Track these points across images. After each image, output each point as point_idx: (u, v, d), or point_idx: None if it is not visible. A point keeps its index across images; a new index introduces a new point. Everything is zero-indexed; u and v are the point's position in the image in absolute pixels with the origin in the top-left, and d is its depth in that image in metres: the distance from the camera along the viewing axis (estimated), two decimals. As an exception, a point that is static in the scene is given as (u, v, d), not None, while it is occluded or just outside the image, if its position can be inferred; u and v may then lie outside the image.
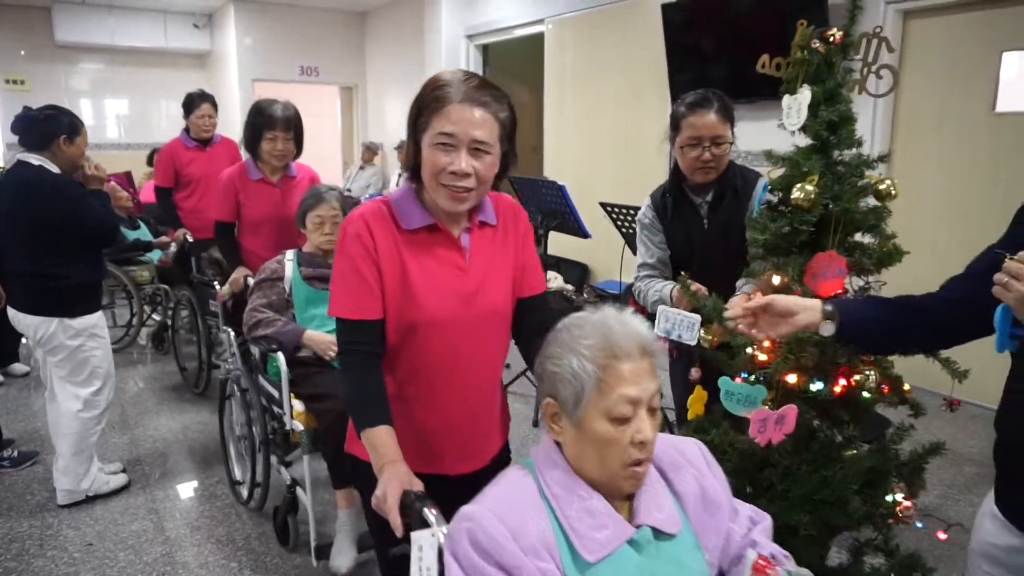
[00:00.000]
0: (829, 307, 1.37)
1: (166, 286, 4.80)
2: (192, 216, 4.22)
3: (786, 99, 1.66)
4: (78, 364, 2.81)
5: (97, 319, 2.86)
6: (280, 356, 2.46)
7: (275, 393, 2.58)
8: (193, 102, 4.22)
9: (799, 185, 1.60)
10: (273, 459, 2.72)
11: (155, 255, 4.94)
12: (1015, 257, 1.03)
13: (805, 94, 1.59)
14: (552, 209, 3.64)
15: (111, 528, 2.76)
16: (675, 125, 2.15)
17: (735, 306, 1.50)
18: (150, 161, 7.21)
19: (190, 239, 4.17)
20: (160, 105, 9.72)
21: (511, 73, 8.55)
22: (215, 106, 4.31)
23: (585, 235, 3.59)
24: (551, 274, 5.77)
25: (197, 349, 4.09)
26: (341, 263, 1.36)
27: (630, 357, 1.08)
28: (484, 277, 1.41)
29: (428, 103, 1.30)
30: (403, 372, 1.42)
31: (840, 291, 1.60)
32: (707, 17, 4.63)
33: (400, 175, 7.59)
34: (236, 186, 3.05)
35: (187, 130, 4.26)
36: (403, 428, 1.34)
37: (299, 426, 2.44)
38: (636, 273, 2.35)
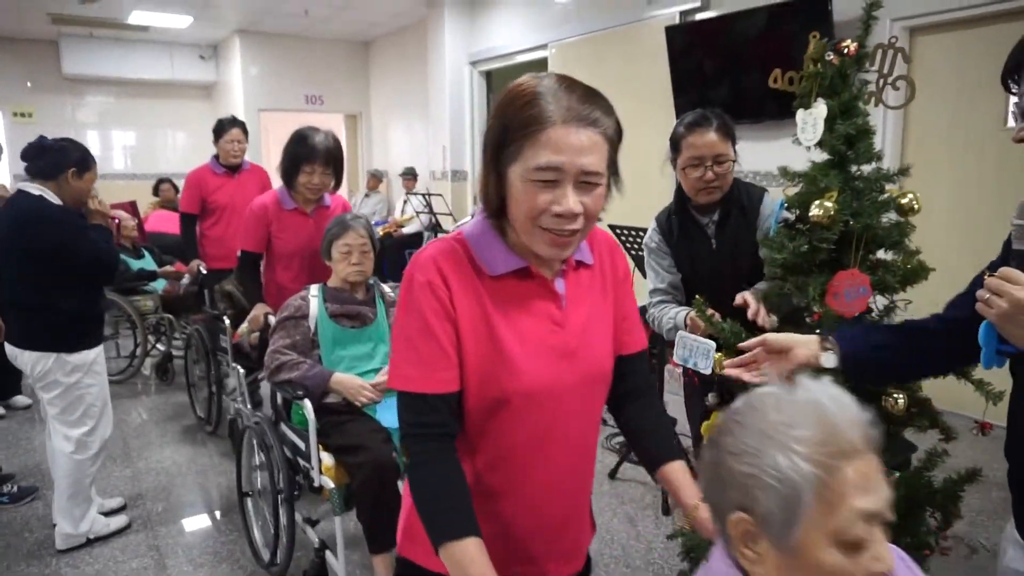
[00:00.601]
0: (828, 339, 1.32)
1: (170, 315, 4.76)
2: (216, 244, 4.13)
3: (800, 114, 1.61)
4: (72, 402, 2.71)
5: (96, 355, 2.78)
6: (307, 404, 2.24)
7: (300, 444, 2.36)
8: (223, 127, 4.15)
9: (817, 202, 1.55)
10: (298, 516, 2.47)
11: (159, 284, 4.91)
12: (995, 273, 1.02)
13: (821, 108, 1.54)
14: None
15: (110, 567, 2.67)
16: (675, 146, 2.10)
17: (730, 365, 1.43)
18: (156, 191, 7.23)
19: (204, 270, 4.06)
20: (167, 136, 9.79)
21: (515, 98, 8.57)
22: (246, 132, 4.22)
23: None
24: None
25: (208, 386, 3.93)
26: (406, 321, 1.07)
27: (858, 453, 0.77)
28: (584, 331, 1.12)
29: (518, 126, 1.00)
30: (485, 458, 1.11)
31: (863, 310, 1.53)
32: (710, 38, 4.62)
33: (405, 201, 7.58)
34: (269, 215, 2.87)
35: (216, 157, 4.18)
36: (485, 528, 1.03)
37: (329, 483, 2.22)
38: (648, 299, 2.29)
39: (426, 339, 1.05)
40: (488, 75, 7.33)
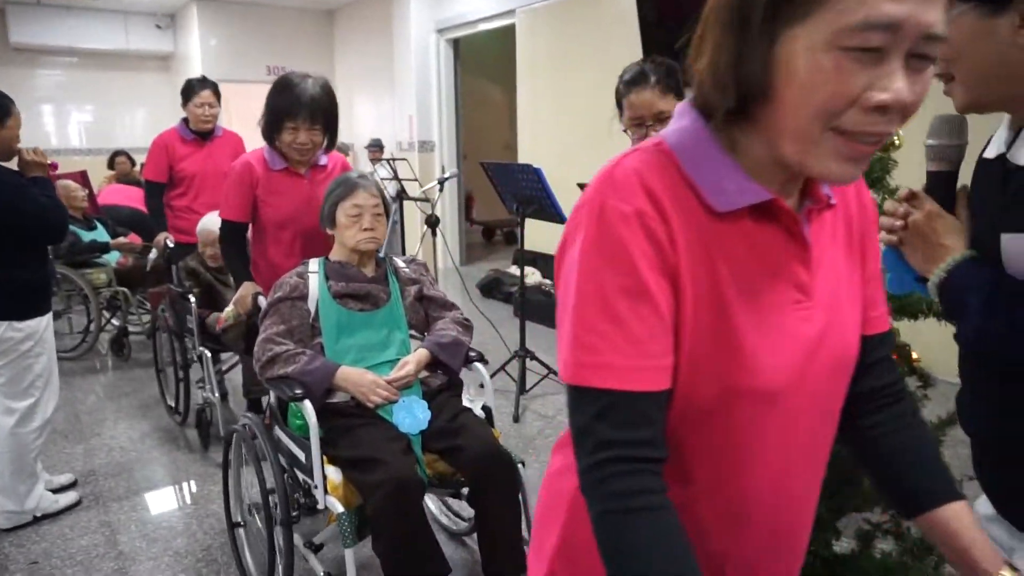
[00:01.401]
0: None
1: (125, 289, 4.58)
2: (182, 217, 3.78)
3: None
4: (19, 372, 2.55)
5: (47, 322, 2.63)
6: (307, 406, 1.85)
7: (300, 455, 1.91)
8: (192, 89, 3.71)
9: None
10: (298, 539, 2.01)
11: (113, 257, 4.71)
12: (894, 198, 1.00)
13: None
14: (528, 195, 3.50)
15: (59, 544, 2.54)
16: (618, 104, 1.97)
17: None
18: (111, 164, 6.97)
19: (171, 244, 3.69)
20: (124, 109, 9.46)
21: (483, 69, 8.43)
22: (218, 94, 3.78)
23: (563, 219, 3.44)
24: (528, 269, 5.63)
25: (174, 372, 3.50)
26: (597, 274, 0.67)
27: None
28: (833, 301, 0.76)
29: None
30: (699, 483, 0.75)
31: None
32: (681, 1, 4.52)
33: (372, 172, 7.40)
34: (254, 177, 2.42)
35: (185, 121, 3.77)
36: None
37: (337, 506, 1.81)
38: None
39: (635, 301, 0.66)
40: (456, 43, 7.17)
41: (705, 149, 0.71)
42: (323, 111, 2.32)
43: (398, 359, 2.04)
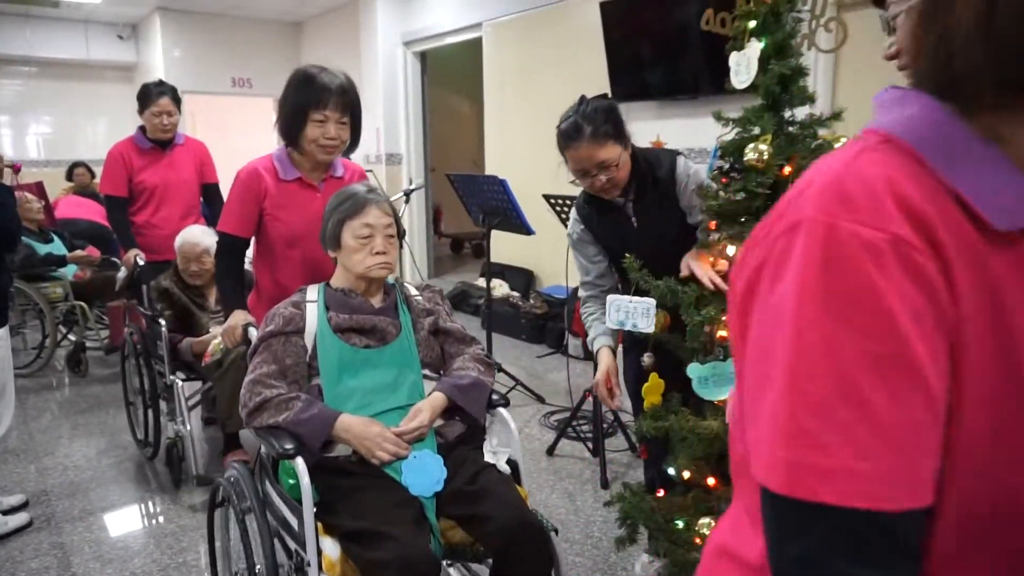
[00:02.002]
0: None
1: (82, 303, 4.46)
2: (143, 233, 3.52)
3: (734, 56, 1.55)
4: None
5: (4, 335, 2.56)
6: (300, 466, 1.55)
7: (292, 520, 1.63)
8: (149, 95, 3.41)
9: (752, 146, 1.49)
10: None
11: (70, 270, 4.60)
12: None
13: (755, 47, 1.48)
14: (494, 207, 3.49)
15: (7, 567, 2.45)
16: (561, 152, 1.96)
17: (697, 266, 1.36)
18: (69, 175, 6.82)
19: (141, 261, 3.36)
20: (85, 120, 9.25)
21: (451, 82, 8.44)
22: (177, 101, 3.49)
23: (529, 231, 3.45)
24: (496, 281, 5.63)
25: (143, 402, 3.21)
26: (826, 336, 0.48)
27: None
28: None
29: None
30: None
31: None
32: (645, 13, 4.58)
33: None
34: (262, 187, 2.12)
35: (143, 129, 3.50)
36: None
37: None
38: (580, 294, 2.21)
39: (893, 377, 0.47)
40: (423, 56, 7.17)
41: (964, 144, 0.51)
42: (352, 103, 2.09)
43: (410, 405, 1.74)
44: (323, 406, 1.68)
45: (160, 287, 3.07)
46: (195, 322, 3.06)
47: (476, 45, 6.30)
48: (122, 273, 3.67)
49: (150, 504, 2.89)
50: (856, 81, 3.89)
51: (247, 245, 2.23)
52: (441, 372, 1.88)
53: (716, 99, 4.23)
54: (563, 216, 3.38)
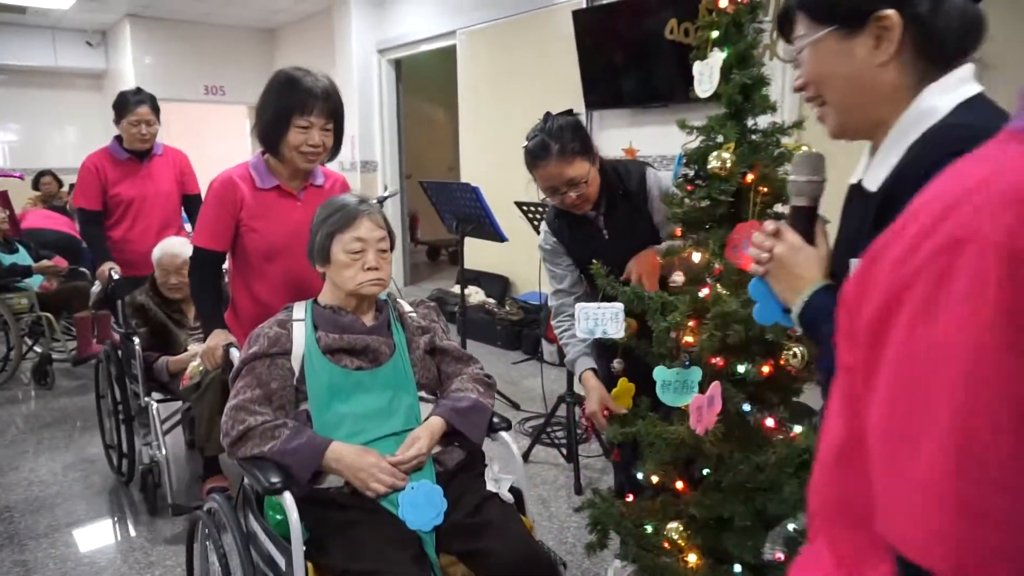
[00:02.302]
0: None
1: (48, 315, 4.38)
2: (120, 250, 3.35)
3: (697, 65, 1.57)
4: None
5: None
6: (288, 501, 1.44)
7: (278, 558, 1.51)
8: (126, 104, 3.24)
9: (715, 154, 1.51)
10: None
11: (36, 281, 4.51)
12: (762, 231, 1.03)
13: (717, 56, 1.50)
14: (467, 214, 3.50)
15: (-31, 585, 2.40)
16: (529, 170, 1.96)
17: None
18: (36, 184, 6.71)
19: (116, 275, 3.20)
20: (52, 128, 9.11)
21: (426, 90, 8.44)
22: (156, 109, 3.33)
23: (502, 238, 3.45)
24: (471, 288, 5.62)
25: (115, 425, 3.05)
26: (1015, 382, 0.41)
27: None
28: None
29: None
30: None
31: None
32: (617, 22, 4.62)
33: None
34: (237, 197, 1.99)
35: (119, 139, 3.33)
36: None
37: None
38: (551, 302, 2.20)
39: None
40: (398, 64, 7.17)
41: None
42: (336, 108, 1.97)
43: (406, 431, 1.63)
44: (312, 434, 1.56)
45: (135, 302, 2.91)
46: (172, 340, 2.91)
47: (450, 53, 6.31)
48: (96, 287, 3.48)
49: (118, 519, 2.84)
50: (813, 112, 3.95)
51: (223, 259, 2.10)
52: (437, 394, 1.78)
53: (688, 107, 4.23)
54: (535, 223, 3.39)
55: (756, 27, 1.53)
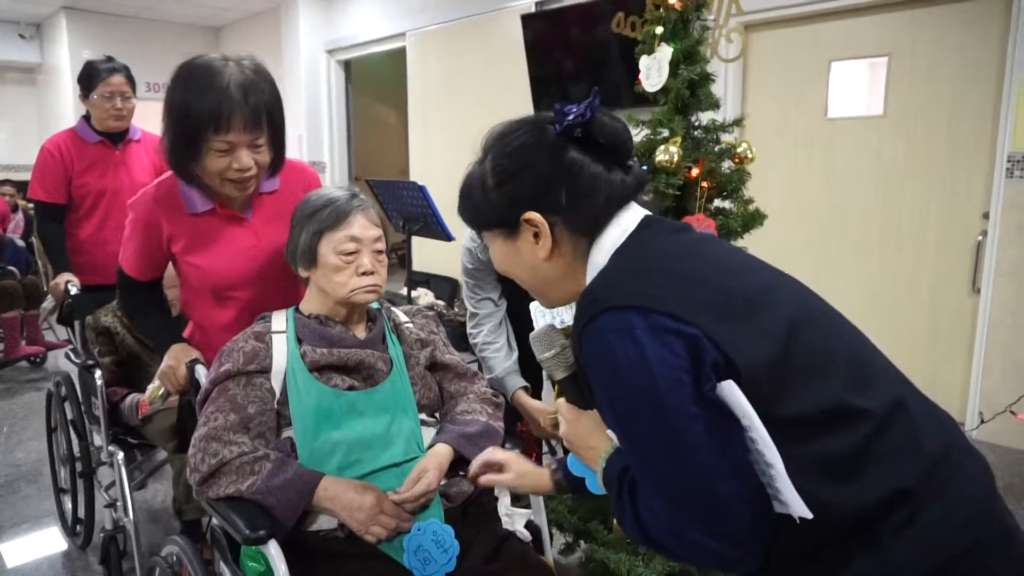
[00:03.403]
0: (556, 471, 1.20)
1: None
2: (90, 252, 2.74)
3: (644, 60, 1.59)
4: None
5: None
6: (273, 551, 1.21)
7: None
8: (95, 73, 2.66)
9: (663, 147, 1.54)
10: None
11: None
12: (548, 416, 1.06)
13: (665, 51, 1.53)
14: (413, 212, 3.47)
15: None
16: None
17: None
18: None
19: (74, 290, 2.51)
20: (-19, 124, 8.70)
21: (376, 91, 8.37)
22: (132, 82, 2.74)
23: (449, 237, 3.44)
24: (421, 290, 5.59)
25: (71, 475, 2.45)
26: None
27: None
28: None
29: None
30: None
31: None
32: (566, 26, 4.67)
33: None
34: (162, 231, 1.60)
35: (87, 119, 2.76)
36: None
37: None
38: (472, 310, 2.07)
39: None
40: (347, 65, 7.09)
41: None
42: (266, 107, 1.45)
43: (407, 461, 1.39)
44: (299, 467, 1.31)
45: (99, 325, 2.28)
46: (144, 374, 2.25)
47: (400, 55, 6.28)
48: (48, 303, 2.81)
49: (46, 524, 2.71)
50: (759, 94, 4.07)
51: (160, 281, 1.74)
52: (436, 415, 1.56)
53: (636, 110, 4.32)
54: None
55: (702, 24, 1.56)
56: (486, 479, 1.24)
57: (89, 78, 2.68)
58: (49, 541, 2.58)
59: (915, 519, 0.78)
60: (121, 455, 2.01)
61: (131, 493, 2.03)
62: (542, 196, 0.93)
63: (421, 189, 3.34)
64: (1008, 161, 3.21)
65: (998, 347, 3.30)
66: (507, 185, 0.95)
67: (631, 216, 0.94)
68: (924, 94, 3.50)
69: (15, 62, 8.51)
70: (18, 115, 8.66)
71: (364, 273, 1.43)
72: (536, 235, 0.94)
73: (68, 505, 2.54)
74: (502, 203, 0.95)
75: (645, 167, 1.62)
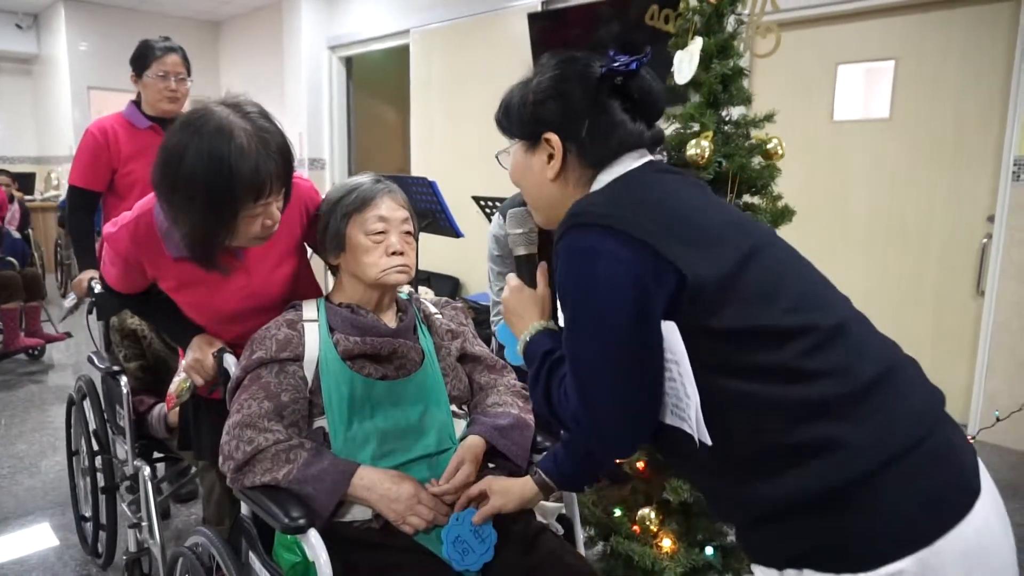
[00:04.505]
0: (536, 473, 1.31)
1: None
2: None
3: (678, 54, 1.59)
4: None
5: None
6: (313, 539, 1.18)
7: None
8: (149, 52, 2.50)
9: (694, 141, 1.54)
10: None
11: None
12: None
13: (697, 43, 1.53)
14: (422, 208, 3.46)
15: None
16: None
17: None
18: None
19: (98, 287, 2.18)
20: (-24, 115, 8.62)
21: (376, 89, 8.35)
22: (188, 64, 2.59)
23: (458, 234, 3.43)
24: (422, 289, 5.57)
25: (92, 491, 2.28)
26: None
27: None
28: None
29: None
30: None
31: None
32: (572, 25, 4.68)
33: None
34: (144, 266, 1.50)
35: (137, 103, 2.58)
36: None
37: None
38: (495, 312, 2.13)
39: None
40: (348, 61, 7.07)
41: None
42: (285, 159, 1.34)
43: (440, 452, 1.38)
44: (334, 456, 1.30)
45: (125, 327, 2.15)
46: (172, 380, 2.06)
47: (403, 52, 6.27)
48: (69, 301, 2.58)
49: (51, 516, 2.68)
50: (766, 96, 4.07)
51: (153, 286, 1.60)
52: (465, 407, 1.55)
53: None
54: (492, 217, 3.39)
55: (737, 17, 1.57)
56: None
57: (142, 57, 2.52)
58: (44, 536, 2.55)
59: (831, 439, 0.84)
60: (147, 470, 1.87)
61: (157, 514, 1.89)
62: (566, 123, 1.02)
63: (431, 185, 3.33)
64: (1015, 165, 3.25)
65: (1003, 349, 3.33)
66: (542, 105, 1.04)
67: (635, 159, 1.03)
68: (930, 98, 3.53)
69: (11, 52, 8.44)
70: (14, 106, 8.59)
71: (394, 253, 1.41)
72: (551, 156, 1.04)
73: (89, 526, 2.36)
74: (532, 119, 1.05)
75: (673, 161, 1.62)
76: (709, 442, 0.89)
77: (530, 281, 1.12)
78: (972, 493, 0.85)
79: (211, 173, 1.24)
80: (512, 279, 1.14)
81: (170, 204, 1.30)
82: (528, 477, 1.30)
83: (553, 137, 1.03)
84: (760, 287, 0.90)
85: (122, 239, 1.45)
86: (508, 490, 1.28)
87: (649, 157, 1.05)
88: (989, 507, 0.86)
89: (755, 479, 0.87)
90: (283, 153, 1.33)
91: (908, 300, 3.67)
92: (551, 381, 1.00)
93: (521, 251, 1.14)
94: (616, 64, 1.00)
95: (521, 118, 1.06)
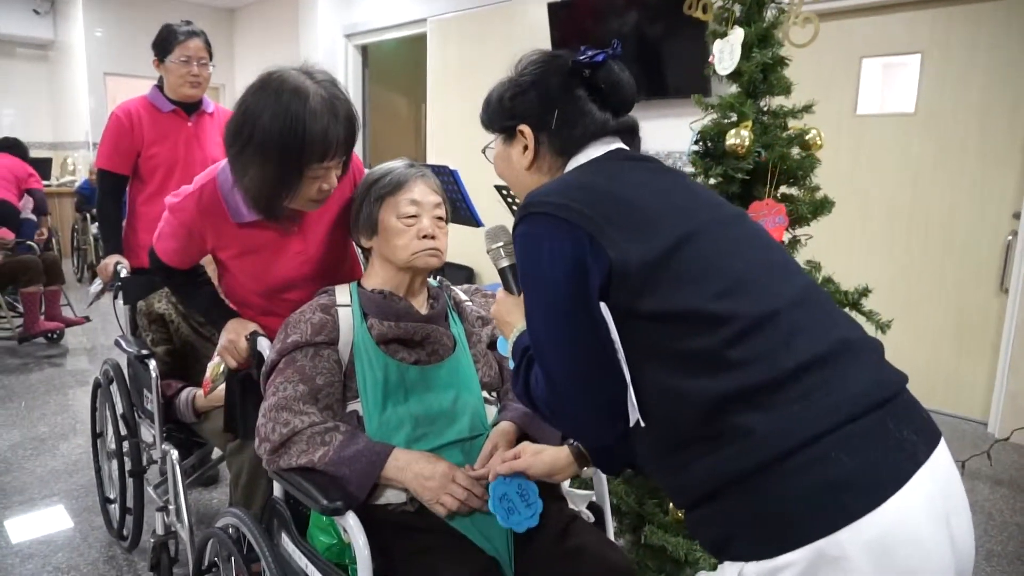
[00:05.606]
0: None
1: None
2: (148, 229, 2.25)
3: (717, 43, 1.58)
4: None
5: None
6: (352, 523, 1.19)
7: None
8: (172, 36, 2.50)
9: (734, 131, 1.53)
10: None
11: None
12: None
13: (738, 33, 1.52)
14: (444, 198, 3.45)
15: (-88, 564, 2.23)
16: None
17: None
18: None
19: (124, 272, 2.36)
20: (-9, 99, 8.65)
21: (391, 80, 8.34)
22: (210, 49, 2.60)
23: (478, 224, 3.42)
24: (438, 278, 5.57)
25: (120, 475, 2.29)
26: None
27: None
28: None
29: None
30: None
31: (779, 240, 1.53)
32: (593, 15, 4.65)
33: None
34: (207, 236, 1.55)
35: (160, 87, 2.59)
36: None
37: None
38: None
39: None
40: (364, 50, 7.05)
41: None
42: (351, 125, 1.42)
43: (473, 438, 1.38)
44: (368, 439, 1.31)
45: (152, 312, 2.13)
46: (200, 366, 2.05)
47: (419, 41, 6.25)
48: (95, 286, 2.51)
49: (74, 497, 2.70)
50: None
51: (199, 264, 1.71)
52: (495, 394, 1.53)
53: (651, 103, 4.33)
54: (515, 208, 3.38)
55: (777, 7, 1.55)
56: (505, 467, 1.26)
57: (165, 42, 2.52)
58: (68, 517, 2.58)
59: (742, 427, 0.84)
60: (175, 454, 1.90)
61: (185, 497, 1.90)
62: (538, 115, 1.08)
63: (453, 174, 3.31)
64: (1042, 162, 3.21)
65: (1025, 348, 3.31)
66: (517, 99, 1.11)
67: (601, 147, 1.07)
68: (956, 92, 3.49)
69: (28, 38, 8.46)
70: (30, 92, 8.62)
71: (425, 236, 1.44)
72: (525, 147, 1.10)
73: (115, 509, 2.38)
74: (508, 113, 1.12)
75: (710, 150, 1.61)
76: (643, 423, 0.92)
77: (516, 290, 1.17)
78: (894, 482, 0.80)
79: (285, 130, 1.32)
80: (500, 291, 1.19)
81: (241, 158, 1.39)
82: (565, 446, 1.29)
83: (526, 128, 1.09)
84: (689, 272, 0.90)
85: (188, 208, 1.51)
86: (540, 452, 1.28)
87: (617, 145, 1.09)
88: (919, 498, 0.81)
89: (682, 466, 0.89)
90: (350, 120, 1.40)
91: (930, 296, 3.65)
92: (529, 374, 1.05)
93: (503, 263, 1.19)
94: (582, 57, 1.07)
95: (499, 113, 1.14)
